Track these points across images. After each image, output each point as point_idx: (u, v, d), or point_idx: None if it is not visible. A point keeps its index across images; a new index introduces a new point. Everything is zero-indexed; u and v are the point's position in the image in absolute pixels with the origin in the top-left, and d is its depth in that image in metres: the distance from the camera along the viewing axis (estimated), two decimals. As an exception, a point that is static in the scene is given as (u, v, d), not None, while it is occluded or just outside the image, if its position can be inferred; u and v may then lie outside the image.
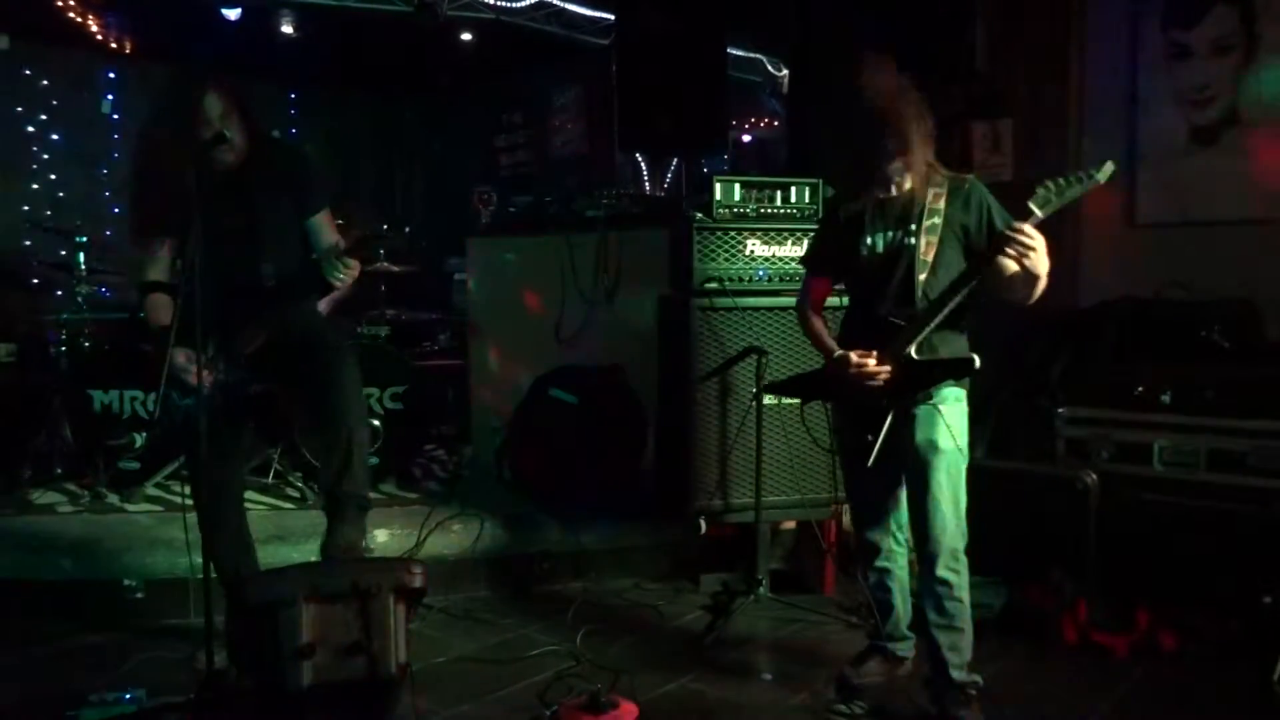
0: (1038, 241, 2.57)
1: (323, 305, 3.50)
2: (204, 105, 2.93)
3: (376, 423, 4.61)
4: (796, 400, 3.63)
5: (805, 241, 3.82)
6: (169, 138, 3.04)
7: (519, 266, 5.06)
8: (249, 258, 3.00)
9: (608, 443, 4.16)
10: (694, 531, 3.91)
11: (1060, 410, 3.83)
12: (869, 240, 2.83)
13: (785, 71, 7.24)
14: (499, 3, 6.33)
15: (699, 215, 3.78)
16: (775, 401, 3.67)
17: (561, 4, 6.56)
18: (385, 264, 5.58)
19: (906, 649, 3.10)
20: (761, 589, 3.71)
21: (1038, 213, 2.56)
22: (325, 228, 3.15)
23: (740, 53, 7.26)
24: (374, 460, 4.57)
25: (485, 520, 4.04)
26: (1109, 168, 2.54)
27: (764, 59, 7.57)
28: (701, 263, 3.75)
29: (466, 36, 6.48)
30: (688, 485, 3.77)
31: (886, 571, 3.03)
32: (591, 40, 6.72)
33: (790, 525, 4.10)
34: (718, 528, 3.93)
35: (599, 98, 7.08)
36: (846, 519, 4.04)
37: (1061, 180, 2.55)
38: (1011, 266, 2.64)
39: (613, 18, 5.51)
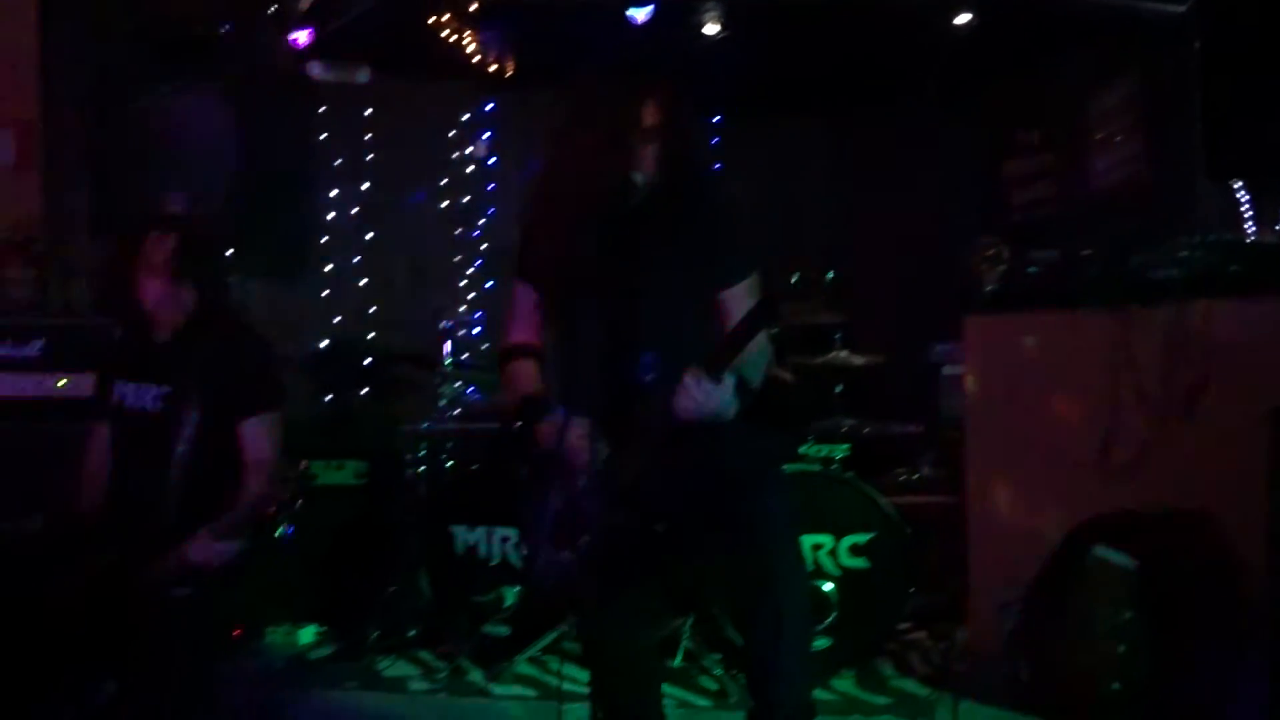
0: None
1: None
2: (637, 114, 3.05)
3: (829, 586, 4.70)
4: None
5: None
6: (573, 156, 3.17)
7: (1043, 356, 5.04)
8: (625, 339, 3.08)
9: (1191, 636, 3.94)
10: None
11: None
12: None
13: None
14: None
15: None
16: None
17: (1107, -41, 6.51)
18: (842, 353, 5.71)
19: None
20: None
21: None
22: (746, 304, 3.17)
23: None
24: (823, 643, 4.66)
25: (992, 750, 3.98)
26: None
27: None
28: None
29: (963, 20, 6.53)
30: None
31: None
32: (1155, 7, 6.54)
33: None
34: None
35: (1167, 96, 6.86)
36: None
37: None
38: None
39: (1191, -28, 5.37)
